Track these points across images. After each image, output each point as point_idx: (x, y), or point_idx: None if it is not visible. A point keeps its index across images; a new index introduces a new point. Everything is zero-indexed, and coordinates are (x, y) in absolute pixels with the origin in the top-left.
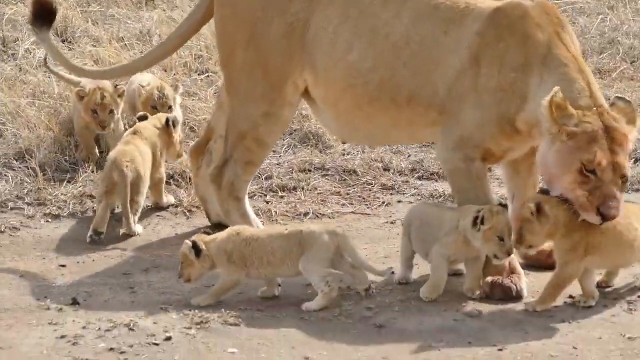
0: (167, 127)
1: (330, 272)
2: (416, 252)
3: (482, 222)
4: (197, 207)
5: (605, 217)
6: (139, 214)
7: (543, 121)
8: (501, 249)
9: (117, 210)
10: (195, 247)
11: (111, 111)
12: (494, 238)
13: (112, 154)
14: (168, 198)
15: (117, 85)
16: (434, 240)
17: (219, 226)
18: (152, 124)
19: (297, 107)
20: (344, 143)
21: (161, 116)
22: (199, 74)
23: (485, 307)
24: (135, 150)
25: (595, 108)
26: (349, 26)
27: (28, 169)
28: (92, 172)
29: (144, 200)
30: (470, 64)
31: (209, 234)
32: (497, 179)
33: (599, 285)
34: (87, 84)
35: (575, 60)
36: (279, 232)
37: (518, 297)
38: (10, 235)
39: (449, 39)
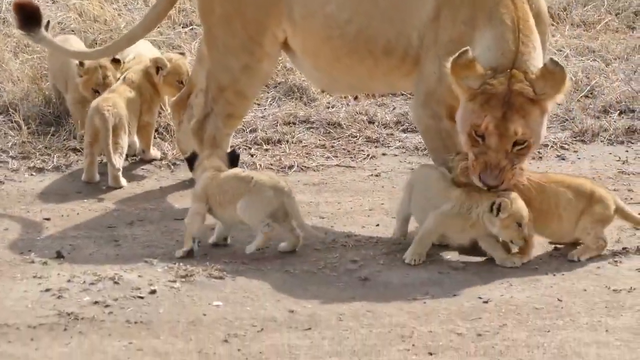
0: (157, 73)
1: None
2: (412, 214)
3: (499, 211)
4: (181, 160)
5: (484, 185)
6: (122, 158)
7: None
8: (519, 235)
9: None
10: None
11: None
12: (512, 225)
13: (93, 102)
14: (154, 152)
15: (117, 59)
16: (433, 209)
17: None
18: (141, 70)
19: (278, 59)
20: (323, 92)
21: (153, 60)
22: (182, 27)
23: (470, 260)
24: (118, 96)
25: (509, 71)
26: None
27: (12, 122)
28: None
29: (126, 145)
30: (434, 16)
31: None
32: None
33: None
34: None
35: (516, 20)
36: (234, 174)
37: None
38: None
39: None
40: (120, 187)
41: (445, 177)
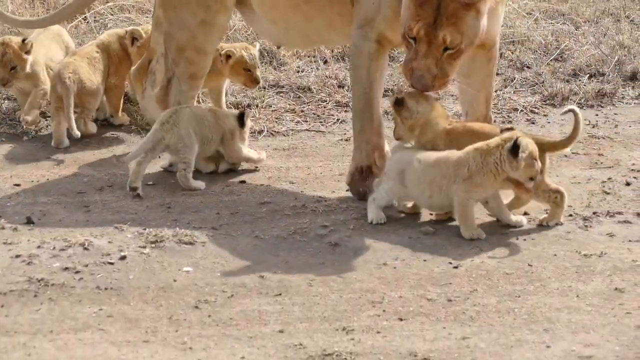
0: (132, 44)
1: None
2: (414, 199)
3: (518, 151)
4: (150, 126)
5: (414, 87)
6: (91, 117)
7: None
8: (536, 171)
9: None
10: None
11: (13, 67)
12: (531, 161)
13: (56, 67)
14: (123, 117)
15: (24, 40)
16: (444, 183)
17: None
18: (113, 34)
19: (232, 12)
20: (278, 48)
21: (129, 32)
22: None
23: (440, 225)
24: (80, 59)
25: None
26: None
27: None
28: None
29: (95, 107)
30: None
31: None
32: (452, 95)
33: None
34: None
35: None
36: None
37: None
38: None
39: None
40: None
41: (426, 151)
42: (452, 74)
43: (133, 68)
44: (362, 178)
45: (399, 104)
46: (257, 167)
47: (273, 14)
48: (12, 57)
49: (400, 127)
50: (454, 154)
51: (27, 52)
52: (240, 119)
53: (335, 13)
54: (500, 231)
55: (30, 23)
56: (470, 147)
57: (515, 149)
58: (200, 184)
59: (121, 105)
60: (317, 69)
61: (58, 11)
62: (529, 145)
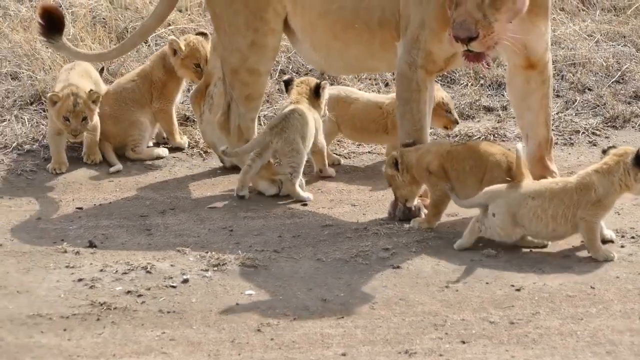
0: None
1: None
2: (534, 235)
3: None
4: (209, 149)
5: (457, 39)
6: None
7: None
8: None
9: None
10: None
11: (84, 118)
12: None
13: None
14: (181, 139)
15: (91, 90)
16: (569, 213)
17: (233, 169)
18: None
19: (281, 34)
20: (322, 74)
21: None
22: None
23: (502, 248)
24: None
25: None
26: None
27: (44, 111)
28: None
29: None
30: None
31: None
32: (513, 117)
33: None
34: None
35: None
36: None
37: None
38: (27, 178)
39: None
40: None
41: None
42: (498, 28)
43: (192, 92)
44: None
45: (395, 165)
46: (318, 189)
47: (314, 41)
48: (83, 108)
49: (403, 188)
50: (569, 182)
51: (94, 102)
52: (316, 91)
53: (376, 41)
54: (561, 253)
55: (102, 56)
56: (587, 171)
57: (638, 160)
58: (308, 196)
59: (175, 127)
60: (378, 91)
61: (125, 41)
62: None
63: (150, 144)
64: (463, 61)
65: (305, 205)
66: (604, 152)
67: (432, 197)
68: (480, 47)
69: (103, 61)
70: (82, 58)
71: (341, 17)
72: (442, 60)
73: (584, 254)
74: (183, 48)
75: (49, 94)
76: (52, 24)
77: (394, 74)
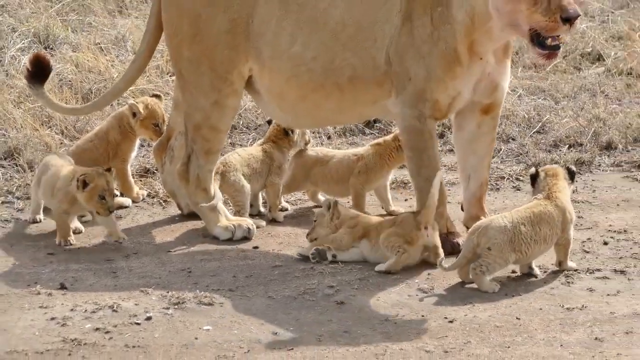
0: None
1: None
2: (527, 260)
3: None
4: (169, 198)
5: (569, 19)
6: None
7: None
8: None
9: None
10: None
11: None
12: None
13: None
14: (138, 193)
15: (109, 169)
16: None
17: (191, 216)
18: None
19: (242, 95)
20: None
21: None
22: (170, 76)
23: (437, 284)
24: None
25: None
26: (290, 20)
27: (17, 166)
28: None
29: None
30: (403, 24)
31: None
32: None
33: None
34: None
35: None
36: None
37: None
38: (2, 227)
39: (382, 13)
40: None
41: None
42: None
43: (154, 144)
44: (448, 240)
45: (334, 206)
46: (268, 233)
47: (281, 101)
48: (112, 186)
49: (322, 228)
50: (546, 206)
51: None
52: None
53: (346, 97)
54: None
55: (75, 110)
56: (554, 195)
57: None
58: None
59: (130, 184)
60: (321, 144)
61: (98, 99)
62: None
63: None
64: (544, 61)
65: (256, 248)
66: (533, 175)
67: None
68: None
69: (76, 115)
70: (58, 110)
71: (311, 79)
72: (446, 106)
73: (510, 288)
74: (142, 111)
75: (80, 176)
76: (39, 71)
77: (335, 128)
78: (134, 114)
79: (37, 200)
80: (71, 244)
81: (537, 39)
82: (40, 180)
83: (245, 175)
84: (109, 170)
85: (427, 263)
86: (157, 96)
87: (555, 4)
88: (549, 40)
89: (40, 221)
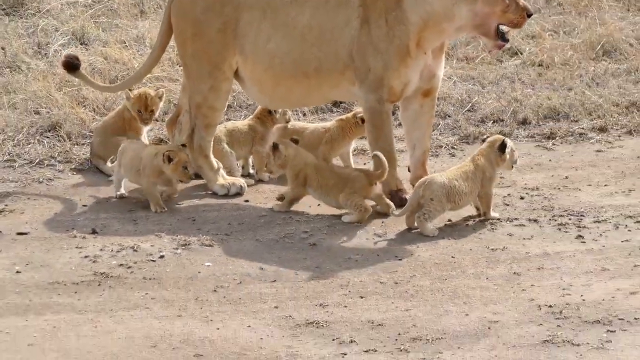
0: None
1: None
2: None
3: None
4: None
5: (530, 15)
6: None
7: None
8: None
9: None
10: None
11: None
12: None
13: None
14: None
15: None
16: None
17: (196, 176)
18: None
19: (233, 81)
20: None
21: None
22: (179, 66)
23: (389, 230)
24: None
25: None
26: (267, 24)
27: (58, 136)
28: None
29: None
30: (361, 27)
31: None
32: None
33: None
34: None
35: None
36: None
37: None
38: (47, 185)
39: (340, 19)
40: None
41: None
42: None
43: (167, 120)
44: (397, 195)
45: (275, 148)
46: (256, 190)
47: (261, 86)
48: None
49: (272, 164)
50: (470, 166)
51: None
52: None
53: (312, 84)
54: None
55: (107, 88)
56: (477, 158)
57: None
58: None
59: None
60: (298, 119)
61: (124, 81)
62: None
63: None
64: (499, 50)
65: (247, 201)
66: (484, 140)
67: (289, 192)
68: None
69: (107, 92)
70: (95, 87)
71: (283, 69)
72: (400, 91)
73: (447, 233)
74: (131, 96)
75: (165, 152)
76: (72, 66)
77: (309, 108)
78: (128, 98)
79: (119, 179)
80: (164, 209)
81: (500, 34)
82: (120, 163)
83: (228, 143)
84: (184, 145)
85: (380, 213)
86: (157, 90)
87: (522, 5)
88: (507, 34)
89: (124, 196)
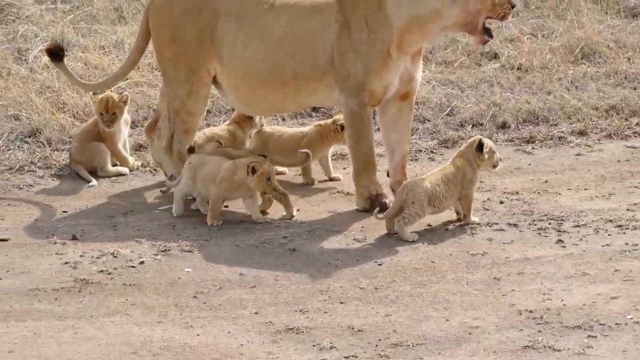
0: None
1: None
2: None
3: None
4: (158, 168)
5: (514, 6)
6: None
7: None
8: None
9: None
10: None
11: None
12: None
13: None
14: (130, 163)
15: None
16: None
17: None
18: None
19: (210, 87)
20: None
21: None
22: (158, 71)
23: (369, 234)
24: None
25: None
26: (244, 31)
27: (38, 142)
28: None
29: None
30: (341, 32)
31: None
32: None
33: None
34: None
35: None
36: None
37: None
38: (27, 190)
39: (317, 24)
40: None
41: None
42: None
43: (145, 125)
44: (378, 200)
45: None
46: None
47: (238, 94)
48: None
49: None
50: (450, 168)
51: None
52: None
53: (289, 91)
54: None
55: (86, 85)
56: (456, 160)
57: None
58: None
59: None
60: (277, 124)
61: (103, 81)
62: None
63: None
64: (485, 45)
65: (226, 207)
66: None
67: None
68: None
69: (86, 90)
70: (75, 82)
71: (259, 77)
72: (381, 94)
73: (426, 238)
74: (95, 101)
75: (250, 164)
76: (56, 54)
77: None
78: (94, 102)
79: (185, 194)
80: (220, 224)
81: (486, 29)
82: (193, 178)
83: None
84: (264, 156)
85: (362, 218)
86: (120, 95)
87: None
88: (492, 28)
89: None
